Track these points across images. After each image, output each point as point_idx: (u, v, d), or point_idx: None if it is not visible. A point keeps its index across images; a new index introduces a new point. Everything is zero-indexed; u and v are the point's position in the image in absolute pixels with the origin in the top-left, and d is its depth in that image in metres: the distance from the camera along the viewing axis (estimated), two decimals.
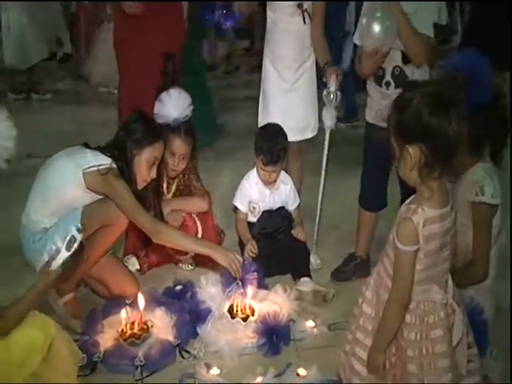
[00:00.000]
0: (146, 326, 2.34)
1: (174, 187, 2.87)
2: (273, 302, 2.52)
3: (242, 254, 2.71)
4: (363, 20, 2.41)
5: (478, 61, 1.84)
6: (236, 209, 2.92)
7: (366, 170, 2.75)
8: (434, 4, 2.40)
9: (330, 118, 2.78)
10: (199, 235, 2.81)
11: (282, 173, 2.88)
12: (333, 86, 2.72)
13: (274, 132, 2.80)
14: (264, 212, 2.87)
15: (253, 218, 2.90)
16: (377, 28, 2.34)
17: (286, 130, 2.84)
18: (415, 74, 2.44)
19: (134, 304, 2.43)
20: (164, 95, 2.71)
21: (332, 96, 2.72)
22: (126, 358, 2.20)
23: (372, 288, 1.78)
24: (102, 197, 2.33)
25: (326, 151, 2.89)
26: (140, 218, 2.29)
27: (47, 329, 1.87)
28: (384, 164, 2.69)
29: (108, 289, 2.52)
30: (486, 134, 1.97)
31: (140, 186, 2.42)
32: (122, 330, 2.32)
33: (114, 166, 2.30)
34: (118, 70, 3.54)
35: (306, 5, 2.82)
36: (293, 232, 2.84)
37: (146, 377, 2.16)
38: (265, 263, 2.67)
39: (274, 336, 2.31)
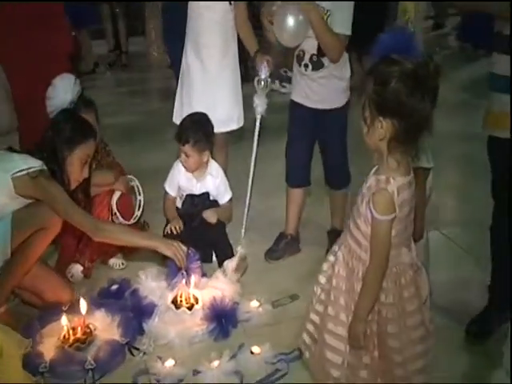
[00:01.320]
0: (88, 330, 2.26)
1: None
2: (214, 287, 2.53)
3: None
4: (279, 16, 2.47)
5: (408, 40, 1.95)
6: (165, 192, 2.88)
7: (290, 147, 2.83)
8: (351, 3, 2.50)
9: (260, 105, 2.79)
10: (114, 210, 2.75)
11: (213, 165, 2.84)
12: (263, 74, 2.74)
13: (196, 117, 2.78)
14: (187, 196, 2.85)
15: (179, 203, 2.90)
16: (291, 22, 2.42)
17: (213, 121, 2.80)
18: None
19: (71, 310, 2.34)
20: (49, 89, 2.55)
21: (263, 83, 2.75)
22: (74, 364, 2.11)
23: (341, 263, 1.81)
24: (31, 201, 2.21)
25: (256, 137, 2.90)
26: (78, 218, 2.19)
27: None
28: (307, 141, 2.79)
29: (42, 297, 2.39)
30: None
31: (73, 186, 2.32)
32: (64, 336, 2.23)
33: (45, 167, 2.19)
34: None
35: None
36: (203, 214, 2.80)
37: (99, 379, 2.09)
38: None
39: (223, 320, 2.33)
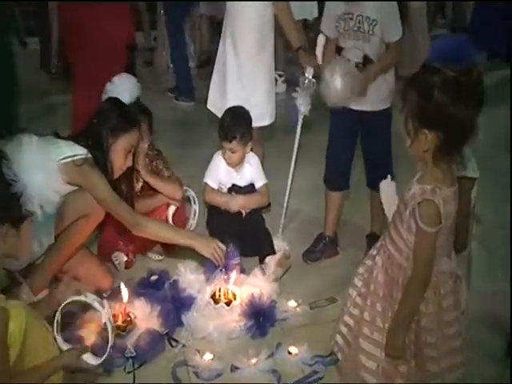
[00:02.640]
0: (129, 318, 2.29)
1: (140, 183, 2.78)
2: (252, 285, 2.53)
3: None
4: (325, 76, 2.50)
5: (463, 45, 1.93)
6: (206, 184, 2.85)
7: (331, 151, 2.82)
8: None
9: (304, 104, 2.82)
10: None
11: (250, 154, 2.83)
12: (310, 74, 2.76)
13: (235, 112, 2.76)
14: (233, 186, 2.82)
15: None
16: (338, 85, 2.45)
17: None
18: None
19: (112, 297, 2.37)
20: (109, 85, 2.60)
21: (307, 83, 2.76)
22: (114, 351, 2.12)
23: (380, 269, 1.80)
24: (76, 188, 2.24)
25: (298, 136, 2.93)
26: (119, 210, 2.22)
27: (19, 317, 1.75)
28: (349, 144, 2.78)
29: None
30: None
31: (116, 174, 2.34)
32: (104, 324, 2.25)
33: (90, 156, 2.21)
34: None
35: None
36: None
37: (138, 367, 2.12)
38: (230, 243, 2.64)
39: (261, 317, 2.33)
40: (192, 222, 2.94)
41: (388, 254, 1.79)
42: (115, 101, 2.39)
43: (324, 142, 2.85)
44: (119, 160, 2.32)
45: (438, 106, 1.54)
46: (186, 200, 2.95)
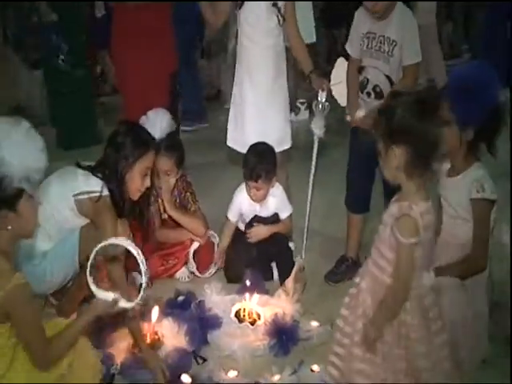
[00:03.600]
0: (157, 336, 2.39)
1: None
2: (275, 306, 2.61)
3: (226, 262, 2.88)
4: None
5: (486, 68, 2.02)
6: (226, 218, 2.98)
7: (350, 174, 2.91)
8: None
9: (319, 128, 2.92)
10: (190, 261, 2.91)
11: (274, 185, 2.90)
12: (323, 98, 2.86)
13: (260, 150, 2.85)
14: (256, 217, 2.93)
15: (241, 226, 3.00)
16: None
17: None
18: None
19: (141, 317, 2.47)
20: (142, 118, 2.77)
21: (321, 106, 2.86)
22: (143, 368, 2.23)
23: (366, 292, 1.86)
24: None
25: (314, 159, 3.02)
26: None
27: (96, 370, 1.93)
28: (368, 168, 2.85)
29: None
30: (483, 137, 2.18)
31: (135, 196, 2.39)
32: (134, 342, 2.35)
33: (106, 192, 2.27)
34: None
35: (280, 3, 2.81)
36: (249, 233, 2.90)
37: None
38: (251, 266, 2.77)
39: (284, 336, 2.41)
40: (212, 270, 2.97)
41: (372, 276, 1.85)
42: (128, 125, 2.45)
43: (340, 161, 2.94)
44: (136, 184, 2.34)
45: (401, 120, 1.68)
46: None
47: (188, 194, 2.93)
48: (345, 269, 2.94)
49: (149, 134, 2.48)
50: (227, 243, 2.94)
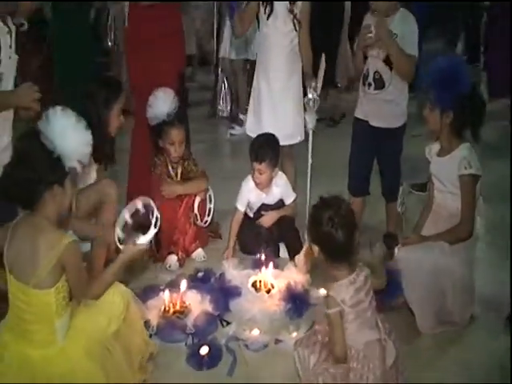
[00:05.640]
0: (185, 304, 2.68)
1: (179, 171, 3.24)
2: (287, 277, 2.91)
3: (241, 248, 3.18)
4: None
5: (459, 61, 2.37)
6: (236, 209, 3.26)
7: (351, 160, 3.25)
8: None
9: (311, 121, 3.20)
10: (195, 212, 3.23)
11: (277, 175, 3.22)
12: (311, 94, 3.15)
13: (266, 137, 3.19)
14: (262, 205, 3.25)
15: (250, 213, 3.31)
16: None
17: (278, 135, 3.24)
18: (393, 79, 2.98)
19: (168, 289, 2.76)
20: (151, 98, 3.12)
21: (311, 102, 3.16)
22: (177, 329, 2.53)
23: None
24: None
25: (310, 151, 3.30)
26: None
27: (124, 295, 2.19)
28: (367, 155, 3.20)
29: None
30: (467, 119, 2.55)
31: (114, 132, 2.85)
32: (165, 309, 2.64)
33: None
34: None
35: (296, 10, 3.18)
36: (260, 220, 3.22)
37: (197, 342, 2.48)
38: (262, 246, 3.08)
39: (297, 301, 2.72)
40: (207, 218, 3.28)
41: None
42: (99, 79, 2.93)
43: (333, 153, 3.24)
44: (117, 121, 2.82)
45: (314, 225, 2.08)
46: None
47: (190, 161, 3.27)
48: None
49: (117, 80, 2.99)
50: (235, 233, 3.21)
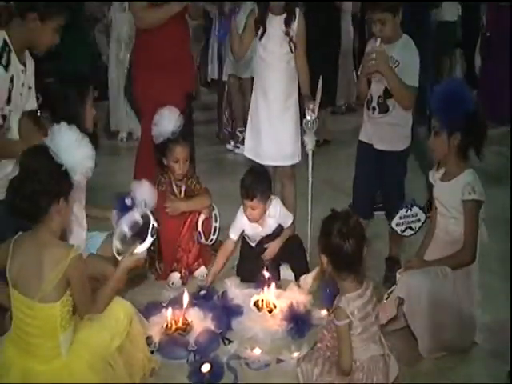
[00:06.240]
0: (187, 321, 2.69)
1: (183, 188, 3.28)
2: (289, 298, 2.92)
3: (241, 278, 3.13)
4: None
5: (459, 82, 2.41)
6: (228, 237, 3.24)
7: (356, 183, 3.28)
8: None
9: (310, 142, 3.26)
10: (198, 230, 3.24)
11: (271, 205, 3.16)
12: (309, 116, 3.21)
13: (256, 172, 3.17)
14: (263, 238, 3.23)
15: (252, 244, 3.30)
16: None
17: (278, 156, 3.30)
18: (396, 105, 3.02)
19: (171, 305, 2.77)
20: (156, 117, 3.17)
21: (310, 124, 3.21)
22: (179, 346, 2.54)
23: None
24: None
25: (310, 171, 3.34)
26: None
27: (127, 310, 2.21)
28: (371, 178, 3.23)
29: None
30: (470, 143, 2.58)
31: (91, 126, 2.73)
32: (167, 325, 2.66)
33: None
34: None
35: (292, 32, 3.24)
36: (263, 256, 3.19)
37: (199, 360, 2.48)
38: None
39: (299, 321, 2.72)
40: (213, 237, 3.29)
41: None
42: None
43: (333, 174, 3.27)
44: (90, 116, 2.72)
45: (324, 237, 2.15)
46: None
47: (193, 179, 3.30)
48: None
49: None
50: (221, 266, 3.16)
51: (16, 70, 2.57)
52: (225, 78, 5.57)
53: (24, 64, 2.63)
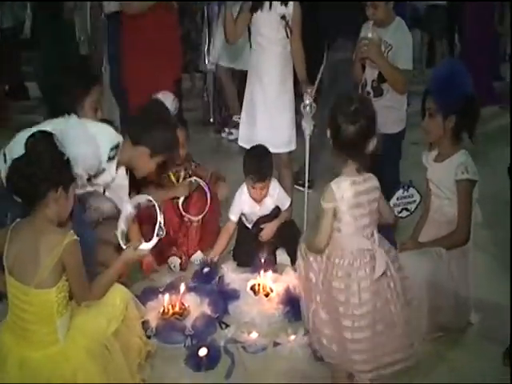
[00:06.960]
0: (184, 306, 2.70)
1: (181, 174, 3.27)
2: (285, 281, 2.93)
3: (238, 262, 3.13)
4: None
5: (457, 64, 2.40)
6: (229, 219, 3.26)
7: None
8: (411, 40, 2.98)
9: (308, 127, 3.23)
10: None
11: (271, 186, 3.18)
12: (307, 100, 3.18)
13: (261, 152, 3.16)
14: (260, 218, 3.24)
15: (248, 225, 3.31)
16: None
17: (275, 142, 3.27)
18: (390, 89, 3.01)
19: (168, 290, 2.78)
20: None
21: (308, 108, 3.18)
22: (176, 330, 2.55)
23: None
24: None
25: (307, 156, 3.34)
26: None
27: (123, 295, 2.22)
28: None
29: None
30: (464, 126, 2.58)
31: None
32: (164, 310, 2.67)
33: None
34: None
35: (288, 17, 3.20)
36: (260, 236, 3.19)
37: (196, 344, 2.50)
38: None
39: (296, 305, 2.72)
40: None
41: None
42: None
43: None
44: (89, 114, 2.70)
45: (332, 115, 2.11)
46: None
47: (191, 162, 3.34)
48: None
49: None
50: (224, 246, 3.20)
51: None
52: (210, 66, 5.43)
53: None
